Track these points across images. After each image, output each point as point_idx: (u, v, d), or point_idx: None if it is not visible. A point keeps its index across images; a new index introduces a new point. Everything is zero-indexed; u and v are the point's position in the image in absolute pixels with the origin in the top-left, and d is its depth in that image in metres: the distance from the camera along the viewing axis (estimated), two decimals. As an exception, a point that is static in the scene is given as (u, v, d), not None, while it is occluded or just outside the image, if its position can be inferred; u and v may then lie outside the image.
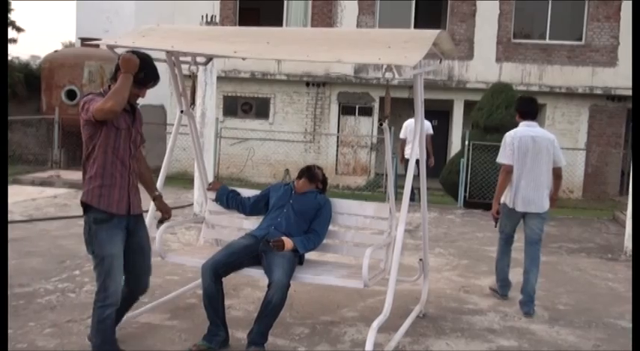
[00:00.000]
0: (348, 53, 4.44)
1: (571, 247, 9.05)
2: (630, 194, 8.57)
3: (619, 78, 18.28)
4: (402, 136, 13.02)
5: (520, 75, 18.75)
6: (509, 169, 6.02)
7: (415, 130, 4.83)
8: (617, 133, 18.95)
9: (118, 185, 3.93)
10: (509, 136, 6.11)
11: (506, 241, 6.35)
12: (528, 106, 6.20)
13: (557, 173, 6.10)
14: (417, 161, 5.08)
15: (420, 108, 4.77)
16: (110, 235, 3.91)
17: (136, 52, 3.96)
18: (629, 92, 16.72)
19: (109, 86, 3.95)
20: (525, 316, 5.78)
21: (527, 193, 5.97)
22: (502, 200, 6.18)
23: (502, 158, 6.09)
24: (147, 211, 4.94)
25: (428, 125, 12.00)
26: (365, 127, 19.70)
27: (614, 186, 18.87)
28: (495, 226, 6.42)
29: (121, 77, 3.81)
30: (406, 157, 12.68)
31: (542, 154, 5.97)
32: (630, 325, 5.59)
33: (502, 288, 6.35)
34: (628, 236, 8.55)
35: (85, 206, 3.94)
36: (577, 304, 6.22)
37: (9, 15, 20.44)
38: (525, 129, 6.07)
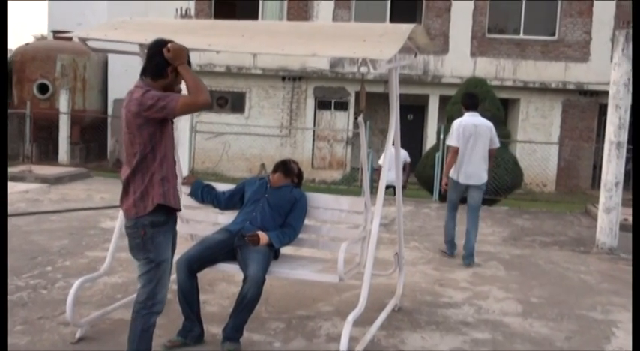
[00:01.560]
0: (323, 47, 4.42)
1: (544, 240, 9.15)
2: (606, 190, 8.69)
3: (591, 73, 18.51)
4: (380, 162, 12.93)
5: (494, 70, 18.90)
6: (456, 150, 7.37)
7: (390, 123, 4.83)
8: (590, 127, 19.19)
9: (176, 184, 3.84)
10: (456, 123, 7.49)
11: (453, 208, 7.66)
12: (470, 100, 7.69)
13: (492, 153, 7.51)
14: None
15: (395, 102, 4.77)
16: (167, 238, 3.74)
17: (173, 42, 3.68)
18: (601, 87, 16.94)
19: (141, 81, 3.66)
20: (466, 267, 7.16)
21: (469, 169, 7.36)
22: (450, 175, 7.51)
23: (451, 141, 7.46)
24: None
25: (405, 154, 11.71)
26: (341, 121, 19.73)
27: (587, 180, 19.12)
28: (441, 194, 7.83)
29: (183, 69, 3.59)
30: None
31: (482, 138, 7.36)
32: (602, 316, 5.68)
33: (449, 248, 7.68)
34: (600, 229, 8.66)
35: (159, 208, 3.63)
36: (550, 296, 6.28)
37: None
38: (469, 118, 7.48)
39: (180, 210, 3.82)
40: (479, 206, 7.54)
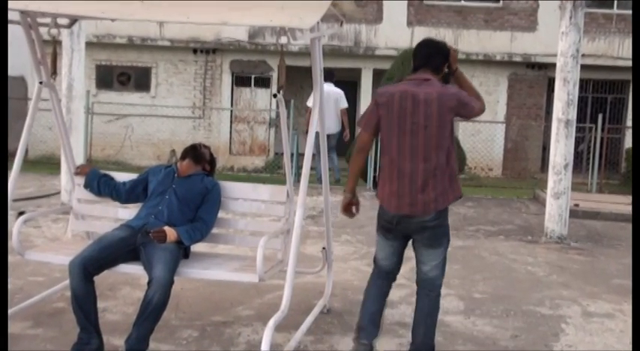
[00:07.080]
0: (235, 14, 4.38)
1: (489, 230, 9.40)
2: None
3: (539, 44, 18.96)
4: (308, 103, 13.11)
5: (434, 40, 19.11)
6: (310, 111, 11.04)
7: (314, 100, 4.85)
8: (538, 104, 19.70)
9: None
10: None
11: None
12: (328, 75, 12.29)
13: (342, 112, 13.37)
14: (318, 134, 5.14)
15: (318, 77, 4.79)
16: None
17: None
18: (550, 59, 17.41)
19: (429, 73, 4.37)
20: (336, 182, 12.66)
21: (328, 123, 11.39)
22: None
23: (309, 103, 10.93)
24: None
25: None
26: (262, 100, 19.66)
27: (535, 162, 19.64)
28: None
29: (462, 74, 4.52)
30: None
31: (333, 101, 13.06)
32: (551, 312, 5.90)
33: (319, 181, 11.87)
34: (548, 216, 8.94)
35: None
36: (494, 291, 6.47)
37: None
38: (327, 87, 11.58)
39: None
40: (334, 146, 13.11)
